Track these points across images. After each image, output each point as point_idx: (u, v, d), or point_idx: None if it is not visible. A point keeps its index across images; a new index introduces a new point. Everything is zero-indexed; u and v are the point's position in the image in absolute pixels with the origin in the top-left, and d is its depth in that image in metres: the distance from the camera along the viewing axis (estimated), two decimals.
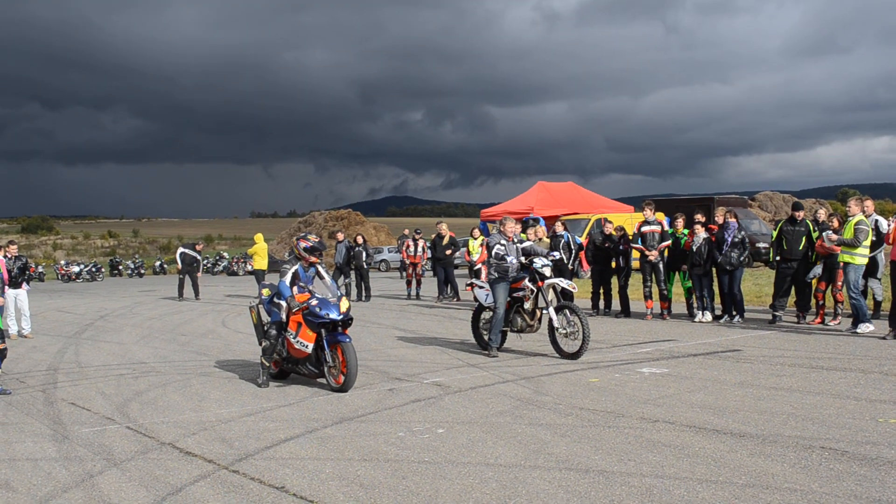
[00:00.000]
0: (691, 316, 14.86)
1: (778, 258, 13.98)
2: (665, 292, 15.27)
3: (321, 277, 9.79)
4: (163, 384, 9.92)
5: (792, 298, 14.37)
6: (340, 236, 23.76)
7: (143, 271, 50.77)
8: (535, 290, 11.24)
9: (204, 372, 10.75)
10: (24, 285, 15.58)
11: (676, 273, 15.17)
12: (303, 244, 9.72)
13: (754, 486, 5.26)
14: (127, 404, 8.74)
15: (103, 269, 50.38)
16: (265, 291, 10.30)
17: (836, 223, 13.53)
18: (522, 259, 11.37)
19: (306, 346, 9.24)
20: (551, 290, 11.49)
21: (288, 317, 9.54)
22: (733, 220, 14.34)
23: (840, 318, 13.61)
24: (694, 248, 14.39)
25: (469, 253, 19.67)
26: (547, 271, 11.20)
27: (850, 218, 12.50)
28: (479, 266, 19.00)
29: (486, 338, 11.70)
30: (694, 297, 14.94)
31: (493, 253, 11.34)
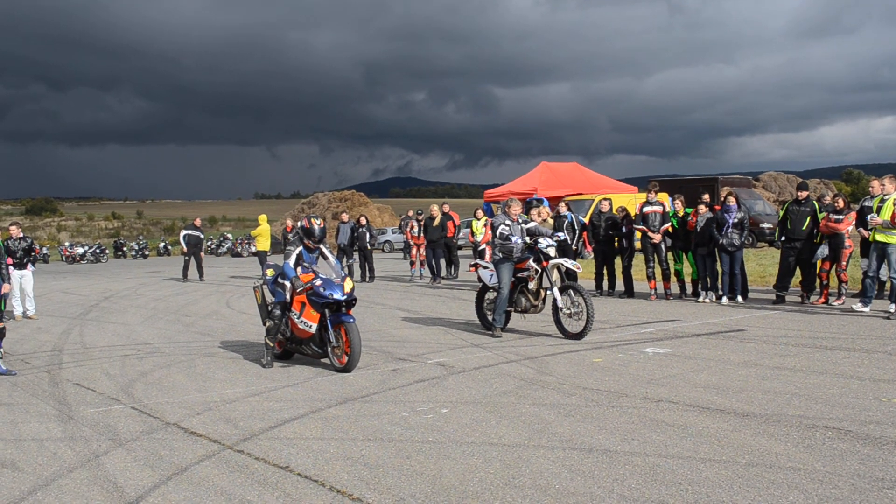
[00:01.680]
0: (695, 296, 14.86)
1: (783, 238, 13.96)
2: (667, 272, 15.27)
3: (325, 258, 9.77)
4: (167, 365, 9.94)
5: (797, 279, 14.37)
6: (345, 217, 23.73)
7: (147, 253, 50.76)
8: (540, 271, 11.21)
9: (208, 352, 10.78)
10: (30, 266, 15.60)
11: (685, 254, 15.11)
12: (301, 223, 9.81)
13: (758, 466, 5.26)
14: (132, 385, 8.77)
15: (107, 251, 50.39)
16: (269, 272, 10.27)
17: (840, 203, 13.47)
18: (527, 239, 11.34)
19: (310, 327, 9.24)
20: (556, 271, 11.49)
21: (292, 297, 9.56)
22: (733, 201, 14.29)
23: (844, 297, 13.58)
24: (698, 229, 14.38)
25: (473, 234, 19.67)
26: (551, 251, 11.19)
27: (887, 197, 12.26)
28: (483, 247, 18.97)
29: (489, 318, 11.72)
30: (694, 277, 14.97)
31: (497, 233, 11.30)
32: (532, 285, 11.33)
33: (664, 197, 16.35)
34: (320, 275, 9.39)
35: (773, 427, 6.18)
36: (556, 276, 11.48)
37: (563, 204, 17.52)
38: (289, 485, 5.27)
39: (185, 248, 25.37)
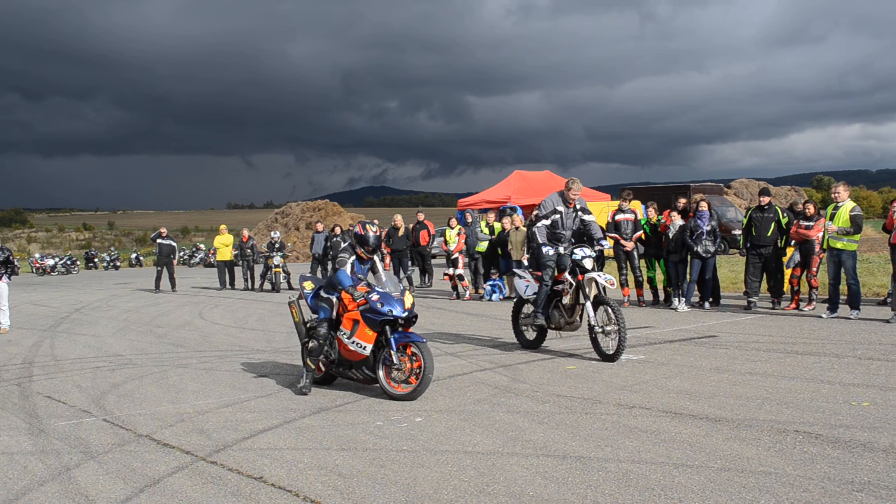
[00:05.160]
0: (668, 303, 14.94)
1: (748, 245, 14.08)
2: (640, 279, 15.35)
3: (375, 272, 8.71)
4: (139, 376, 9.87)
5: (765, 284, 14.50)
6: (320, 227, 23.75)
7: (118, 264, 50.33)
8: (574, 284, 10.08)
9: (181, 364, 10.71)
10: (4, 278, 15.38)
11: (657, 261, 15.21)
12: (356, 229, 8.65)
13: (730, 470, 5.31)
14: (103, 397, 8.70)
15: (78, 262, 49.94)
16: (307, 285, 9.14)
17: (811, 209, 13.61)
18: (569, 250, 10.18)
19: (364, 348, 8.12)
20: (593, 284, 10.08)
21: (338, 314, 8.53)
22: (705, 207, 14.40)
23: (815, 303, 13.73)
24: (670, 235, 14.47)
25: (446, 242, 19.69)
26: (588, 263, 10.04)
27: (840, 204, 12.45)
28: (456, 255, 18.97)
29: (527, 335, 10.88)
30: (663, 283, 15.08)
31: (536, 228, 10.26)
32: (567, 300, 10.20)
33: (637, 205, 16.45)
34: (377, 288, 8.28)
35: (744, 432, 6.23)
36: (593, 290, 10.06)
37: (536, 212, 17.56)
38: (262, 496, 5.25)
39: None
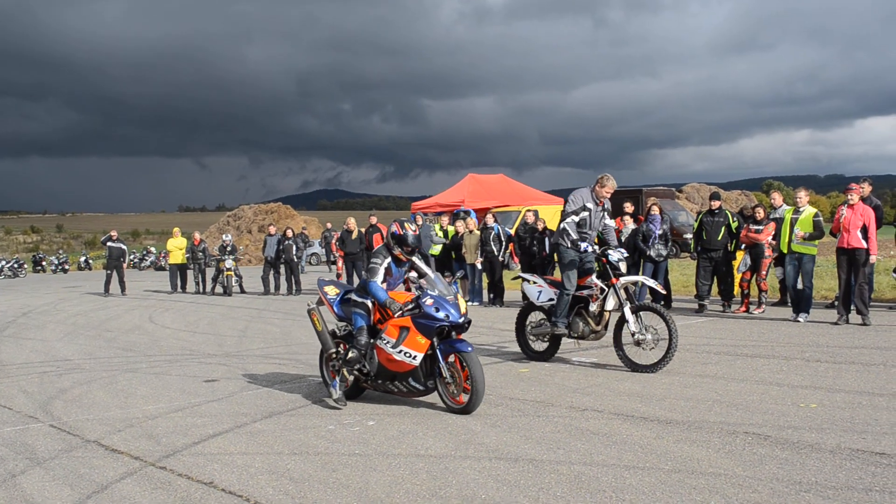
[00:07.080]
0: None
1: (699, 249, 14.27)
2: None
3: (421, 274, 7.99)
4: (88, 381, 9.72)
5: (716, 288, 14.69)
6: (272, 230, 23.65)
7: (67, 267, 49.57)
8: (605, 289, 9.34)
9: (130, 368, 10.57)
10: None
11: None
12: (392, 229, 7.86)
13: (680, 472, 5.35)
14: (50, 402, 8.55)
15: (26, 265, 49.05)
16: (330, 290, 8.38)
17: (760, 213, 13.82)
18: (596, 248, 9.49)
19: (413, 358, 7.35)
20: (623, 290, 9.39)
21: (374, 321, 7.86)
22: (657, 210, 14.58)
23: (764, 306, 13.92)
24: (622, 239, 14.58)
25: None
26: (622, 266, 9.39)
27: (801, 209, 12.61)
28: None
29: (533, 345, 10.14)
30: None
31: (565, 224, 9.48)
32: (594, 307, 9.41)
33: None
34: (429, 292, 7.47)
35: (694, 434, 6.30)
36: (624, 295, 9.38)
37: (489, 216, 17.64)
38: (213, 501, 5.19)
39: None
